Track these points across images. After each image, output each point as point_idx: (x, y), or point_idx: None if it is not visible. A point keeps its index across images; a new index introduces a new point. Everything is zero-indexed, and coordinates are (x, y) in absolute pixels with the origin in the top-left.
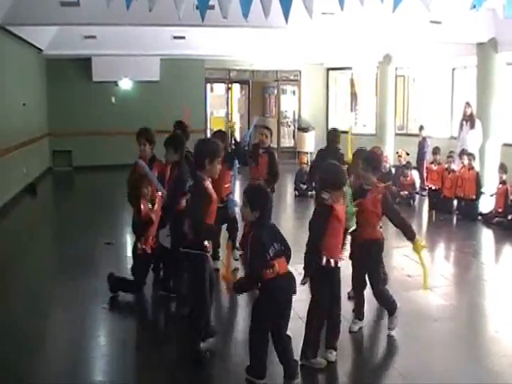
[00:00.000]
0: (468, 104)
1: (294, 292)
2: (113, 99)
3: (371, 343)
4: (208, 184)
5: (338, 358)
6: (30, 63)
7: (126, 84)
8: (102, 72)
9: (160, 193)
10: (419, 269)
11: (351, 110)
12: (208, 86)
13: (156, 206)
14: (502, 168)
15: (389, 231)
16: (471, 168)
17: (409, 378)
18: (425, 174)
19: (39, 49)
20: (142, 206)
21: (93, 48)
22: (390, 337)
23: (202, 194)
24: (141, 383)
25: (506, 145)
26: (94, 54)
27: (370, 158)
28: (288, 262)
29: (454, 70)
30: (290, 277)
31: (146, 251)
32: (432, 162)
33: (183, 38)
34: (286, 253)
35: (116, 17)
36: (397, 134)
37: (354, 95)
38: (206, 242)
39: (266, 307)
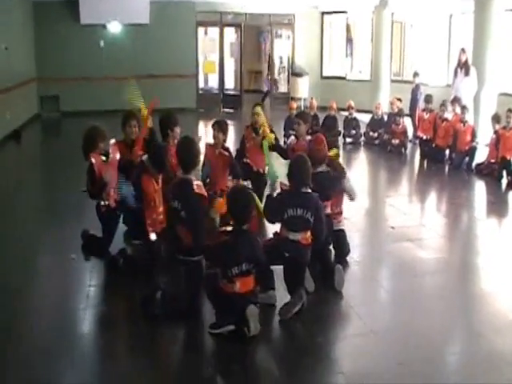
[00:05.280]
0: (463, 50)
1: (244, 310)
2: (101, 43)
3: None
4: (197, 184)
5: (307, 318)
6: (13, 6)
7: (114, 27)
8: (89, 14)
9: None
10: (404, 220)
11: (346, 56)
12: (199, 29)
13: (111, 156)
14: (495, 118)
15: (379, 181)
16: (465, 121)
17: (380, 335)
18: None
19: None
20: (93, 160)
21: None
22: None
23: (197, 202)
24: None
25: (503, 94)
26: None
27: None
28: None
29: (451, 15)
30: (247, 298)
31: (111, 206)
32: (424, 110)
33: None
34: (258, 270)
35: None
36: (392, 81)
37: (349, 40)
38: None
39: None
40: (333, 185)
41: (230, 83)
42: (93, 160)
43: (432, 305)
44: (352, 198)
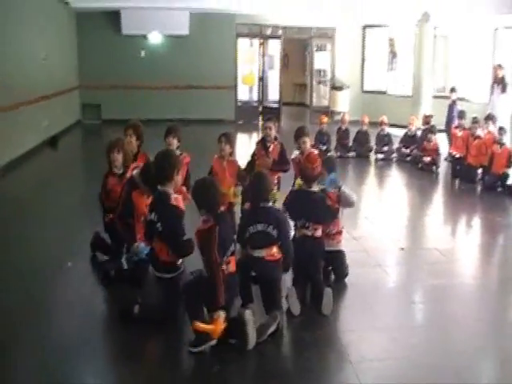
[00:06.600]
0: (500, 66)
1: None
2: (142, 53)
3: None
4: (176, 197)
5: (283, 342)
6: (55, 16)
7: (155, 38)
8: (131, 25)
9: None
10: (418, 242)
11: (389, 70)
12: (239, 41)
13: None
14: None
15: (403, 201)
16: (502, 143)
17: (360, 367)
18: None
19: (65, 1)
20: (108, 180)
21: (121, 0)
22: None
23: (173, 213)
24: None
25: None
26: (122, 7)
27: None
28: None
29: (495, 30)
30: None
31: (114, 219)
32: (457, 127)
33: None
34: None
35: None
36: (436, 97)
37: (392, 54)
38: (179, 261)
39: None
40: (327, 211)
41: (271, 95)
42: (108, 180)
43: (428, 337)
44: (350, 204)
